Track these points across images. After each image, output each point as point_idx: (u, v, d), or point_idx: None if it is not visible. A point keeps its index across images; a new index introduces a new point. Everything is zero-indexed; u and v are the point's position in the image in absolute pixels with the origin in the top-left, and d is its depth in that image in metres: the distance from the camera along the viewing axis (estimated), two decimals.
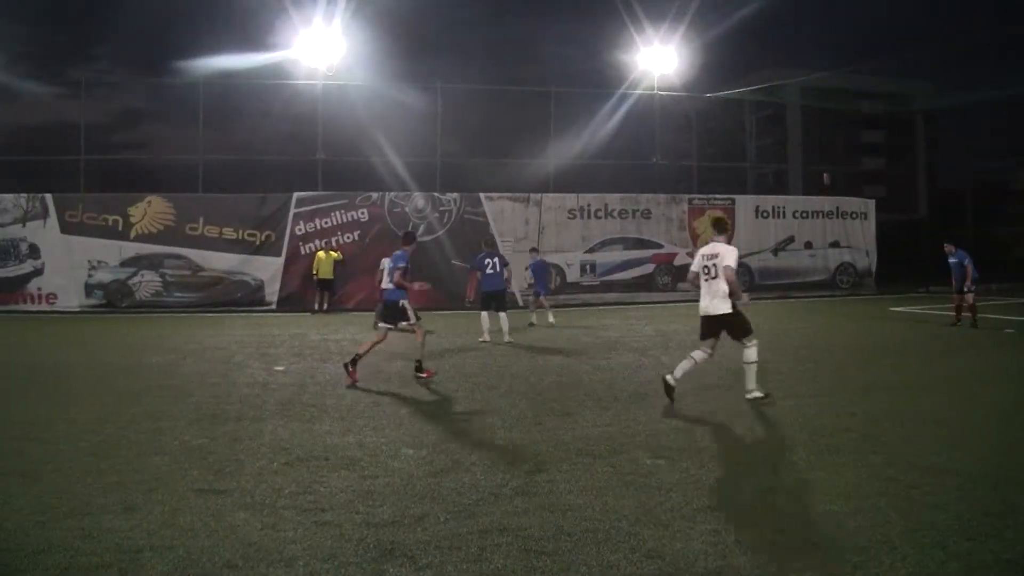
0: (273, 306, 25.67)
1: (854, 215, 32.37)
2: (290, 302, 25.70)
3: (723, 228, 10.16)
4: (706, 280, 9.74)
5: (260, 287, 26.03)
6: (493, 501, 5.90)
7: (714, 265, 9.64)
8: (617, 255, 28.95)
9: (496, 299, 16.86)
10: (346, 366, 11.41)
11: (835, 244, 31.52)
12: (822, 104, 55.35)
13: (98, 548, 4.95)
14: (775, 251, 30.71)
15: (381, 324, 12.06)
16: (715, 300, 9.60)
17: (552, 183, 30.08)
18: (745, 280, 29.92)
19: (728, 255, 9.58)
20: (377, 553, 4.89)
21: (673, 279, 29.07)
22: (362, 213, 26.73)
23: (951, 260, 18.52)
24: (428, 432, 8.25)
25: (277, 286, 26.02)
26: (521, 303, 24.84)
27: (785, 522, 5.41)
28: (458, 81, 48.35)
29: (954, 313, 18.66)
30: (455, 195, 27.71)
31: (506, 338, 16.39)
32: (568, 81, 70.38)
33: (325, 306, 25.08)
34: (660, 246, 29.35)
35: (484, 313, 16.92)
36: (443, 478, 6.50)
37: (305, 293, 25.76)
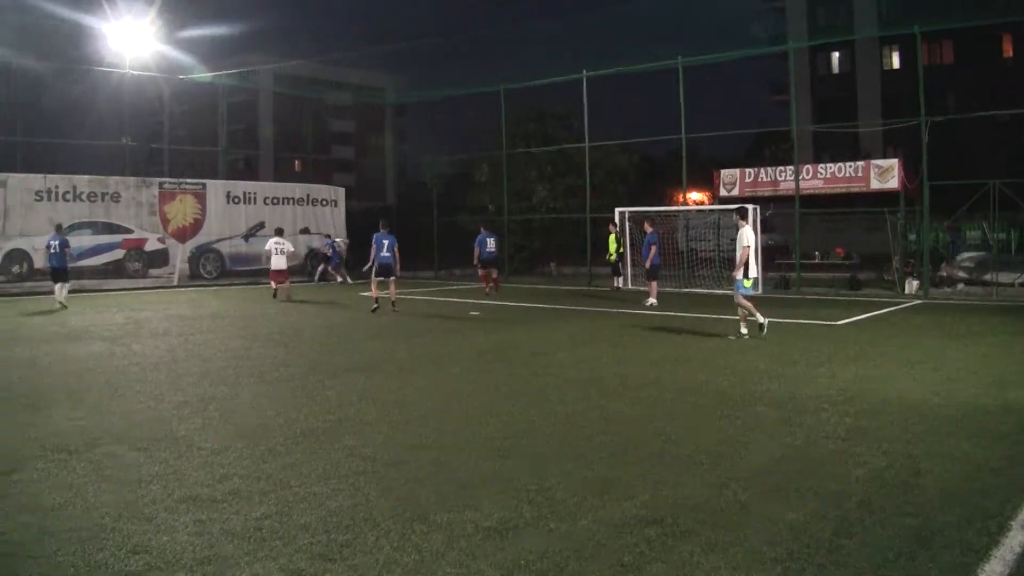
0: None
1: (324, 202, 33.63)
2: None
3: None
4: None
5: None
6: None
7: None
8: (87, 240, 27.20)
9: None
10: None
11: (305, 230, 32.42)
12: (294, 92, 56.58)
13: None
14: (246, 237, 30.87)
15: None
16: None
17: (21, 163, 27.46)
18: (217, 266, 29.95)
19: None
20: None
21: (144, 265, 28.15)
22: None
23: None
24: None
25: None
26: None
27: (270, 507, 5.43)
28: None
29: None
30: None
31: None
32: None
33: None
34: (130, 231, 28.21)
35: None
36: None
37: None
